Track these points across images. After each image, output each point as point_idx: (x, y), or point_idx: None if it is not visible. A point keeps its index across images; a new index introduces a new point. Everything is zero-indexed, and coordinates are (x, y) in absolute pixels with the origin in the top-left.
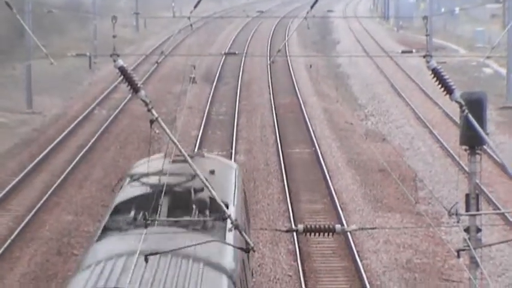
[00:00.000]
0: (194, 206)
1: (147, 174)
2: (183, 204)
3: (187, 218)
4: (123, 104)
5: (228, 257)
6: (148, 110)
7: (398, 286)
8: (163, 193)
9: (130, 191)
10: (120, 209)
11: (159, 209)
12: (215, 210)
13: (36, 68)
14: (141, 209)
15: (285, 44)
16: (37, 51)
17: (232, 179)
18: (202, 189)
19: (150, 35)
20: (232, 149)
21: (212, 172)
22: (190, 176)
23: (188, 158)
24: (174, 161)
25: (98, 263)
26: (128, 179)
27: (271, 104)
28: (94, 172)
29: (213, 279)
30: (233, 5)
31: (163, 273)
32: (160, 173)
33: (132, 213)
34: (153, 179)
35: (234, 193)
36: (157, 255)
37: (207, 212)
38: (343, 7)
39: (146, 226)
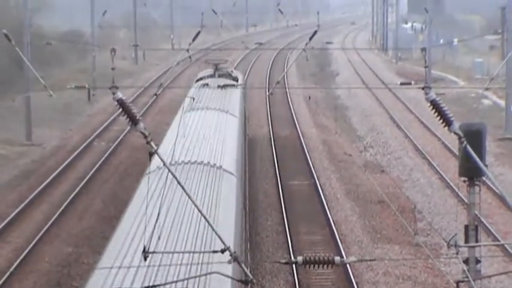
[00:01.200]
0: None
1: (206, 77)
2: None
3: None
4: (122, 135)
5: None
6: (147, 143)
7: None
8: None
9: (200, 85)
10: (193, 97)
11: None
12: (235, 79)
13: (35, 100)
14: None
15: (283, 75)
16: (36, 83)
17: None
18: (230, 83)
19: (149, 67)
20: None
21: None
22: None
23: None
24: (218, 73)
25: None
26: (196, 81)
27: (270, 137)
28: (93, 204)
29: None
30: (232, 37)
31: None
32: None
33: None
34: (210, 80)
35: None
36: None
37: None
38: (342, 39)
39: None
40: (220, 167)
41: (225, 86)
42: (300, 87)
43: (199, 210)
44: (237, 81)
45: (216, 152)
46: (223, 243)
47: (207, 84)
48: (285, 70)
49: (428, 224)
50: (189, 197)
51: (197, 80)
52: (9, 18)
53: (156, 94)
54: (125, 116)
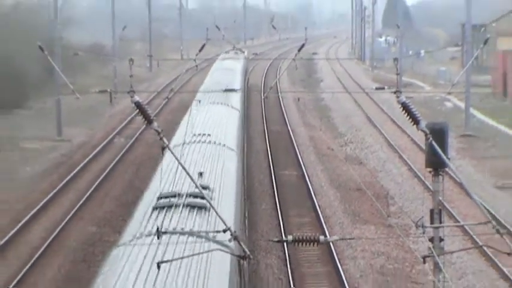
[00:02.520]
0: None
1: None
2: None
3: None
4: (138, 133)
5: None
6: (160, 139)
7: (374, 284)
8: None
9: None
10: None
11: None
12: (243, 52)
13: (64, 102)
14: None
15: (276, 82)
16: (65, 88)
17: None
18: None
19: (162, 74)
20: None
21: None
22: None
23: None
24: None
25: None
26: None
27: (264, 133)
28: (114, 191)
29: None
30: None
31: None
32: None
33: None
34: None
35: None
36: None
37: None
38: (326, 50)
39: None
40: (224, 145)
41: (237, 52)
42: (291, 91)
43: (205, 198)
44: (244, 53)
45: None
46: (225, 224)
47: (228, 52)
48: (277, 77)
49: (399, 208)
50: (197, 185)
51: (226, 52)
52: (43, 32)
53: (167, 97)
54: (141, 116)
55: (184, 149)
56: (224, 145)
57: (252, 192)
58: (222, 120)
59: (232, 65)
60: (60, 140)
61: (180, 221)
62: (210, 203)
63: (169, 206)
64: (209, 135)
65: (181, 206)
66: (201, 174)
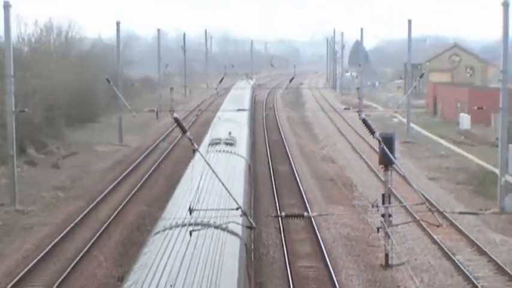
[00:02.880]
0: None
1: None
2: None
3: None
4: (176, 140)
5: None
6: (192, 144)
7: (341, 249)
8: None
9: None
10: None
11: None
12: (251, 78)
13: (124, 118)
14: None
15: (273, 105)
16: (125, 108)
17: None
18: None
19: (193, 99)
20: None
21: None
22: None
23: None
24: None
25: None
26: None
27: (265, 140)
28: (159, 180)
29: None
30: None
31: None
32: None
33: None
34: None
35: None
36: None
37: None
38: (309, 82)
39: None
40: (237, 153)
41: (248, 79)
42: (284, 110)
43: (223, 184)
44: (253, 79)
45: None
46: (237, 203)
47: (243, 79)
48: (274, 101)
49: (360, 193)
50: (217, 177)
51: (241, 79)
52: (109, 69)
53: (197, 115)
54: (178, 128)
55: (208, 151)
56: (237, 153)
57: (256, 181)
58: (234, 132)
59: (243, 91)
60: (121, 145)
61: (221, 149)
62: (227, 190)
63: (217, 143)
64: (225, 144)
65: (222, 142)
66: (230, 133)
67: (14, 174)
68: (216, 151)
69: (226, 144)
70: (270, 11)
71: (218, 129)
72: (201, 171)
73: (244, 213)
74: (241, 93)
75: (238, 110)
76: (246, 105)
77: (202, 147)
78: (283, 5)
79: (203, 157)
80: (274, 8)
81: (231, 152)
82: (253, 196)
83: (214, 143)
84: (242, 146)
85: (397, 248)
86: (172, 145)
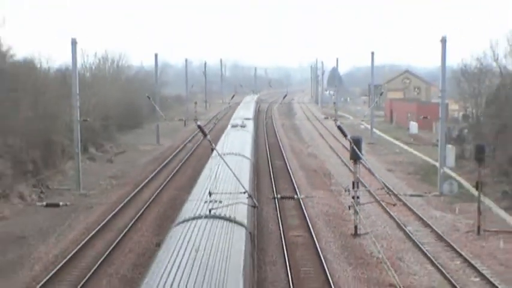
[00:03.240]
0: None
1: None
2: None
3: None
4: (199, 142)
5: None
6: (211, 144)
7: (322, 222)
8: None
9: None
10: (241, 107)
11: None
12: (257, 93)
13: (160, 126)
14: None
15: (271, 115)
16: (160, 118)
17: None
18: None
19: (211, 111)
20: None
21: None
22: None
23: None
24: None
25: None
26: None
27: (265, 142)
28: (187, 171)
29: None
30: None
31: None
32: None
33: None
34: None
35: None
36: None
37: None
38: (298, 98)
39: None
40: (243, 155)
41: (253, 94)
42: (280, 119)
43: (234, 174)
44: (258, 94)
45: (242, 142)
46: (245, 188)
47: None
48: (272, 112)
49: (336, 181)
50: (230, 169)
51: (248, 95)
52: (149, 89)
53: (215, 123)
54: (201, 132)
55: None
56: (247, 131)
57: (259, 172)
58: (241, 138)
59: (249, 104)
60: (158, 145)
61: (238, 128)
62: (237, 178)
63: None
64: (240, 126)
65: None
66: (243, 121)
67: (79, 167)
68: (235, 129)
69: (241, 126)
70: (269, 45)
71: (236, 120)
72: (218, 163)
73: (249, 196)
74: (248, 104)
75: (248, 110)
76: (252, 108)
77: (228, 128)
78: (279, 39)
79: (219, 155)
80: (272, 42)
81: (243, 130)
82: (257, 180)
83: (234, 125)
84: (250, 128)
85: (363, 221)
86: (196, 145)
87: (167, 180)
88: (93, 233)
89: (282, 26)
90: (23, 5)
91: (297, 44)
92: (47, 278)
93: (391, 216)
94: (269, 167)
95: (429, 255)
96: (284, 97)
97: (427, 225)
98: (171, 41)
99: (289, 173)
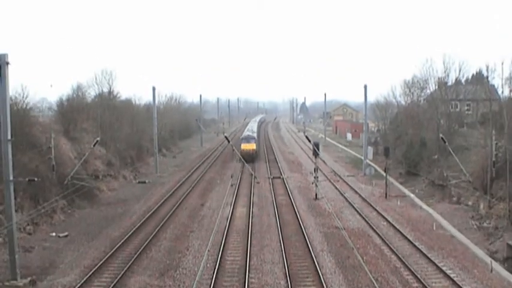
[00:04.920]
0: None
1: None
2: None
3: None
4: (226, 145)
5: None
6: (232, 147)
7: (296, 191)
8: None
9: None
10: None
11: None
12: (265, 113)
13: (204, 136)
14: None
15: (267, 133)
16: (203, 132)
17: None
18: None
19: (232, 127)
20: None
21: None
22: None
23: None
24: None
25: None
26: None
27: (264, 144)
28: (218, 163)
29: None
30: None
31: None
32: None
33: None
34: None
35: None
36: None
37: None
38: (282, 120)
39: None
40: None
41: (263, 114)
42: (272, 133)
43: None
44: (265, 113)
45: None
46: (252, 172)
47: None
48: (267, 128)
49: (305, 167)
50: (237, 153)
51: (257, 115)
52: (196, 115)
53: (234, 134)
54: (226, 140)
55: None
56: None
57: (257, 170)
58: (253, 125)
59: (254, 121)
60: (202, 147)
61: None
62: (256, 138)
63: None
64: (251, 132)
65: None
66: (253, 132)
67: (157, 160)
68: (253, 122)
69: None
70: (266, 86)
71: (248, 132)
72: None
73: (254, 176)
74: (253, 124)
75: (254, 124)
76: (255, 126)
77: (250, 122)
78: (272, 82)
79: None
80: (268, 84)
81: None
82: (257, 167)
83: (246, 135)
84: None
85: (320, 191)
86: (223, 148)
87: (207, 168)
88: (165, 198)
89: (273, 74)
90: (122, 61)
91: (282, 84)
92: (140, 223)
93: (336, 188)
94: (266, 160)
95: (358, 210)
96: (275, 119)
97: (356, 192)
98: (208, 83)
99: (277, 163)
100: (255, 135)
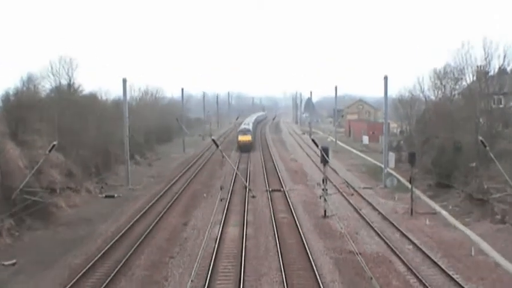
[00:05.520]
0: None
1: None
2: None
3: None
4: (214, 151)
5: None
6: (222, 153)
7: (301, 207)
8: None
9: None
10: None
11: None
12: (264, 110)
13: (186, 139)
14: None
15: (265, 132)
16: (186, 134)
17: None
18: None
19: (222, 129)
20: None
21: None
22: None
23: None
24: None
25: None
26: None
27: (261, 149)
28: (205, 172)
29: None
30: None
31: None
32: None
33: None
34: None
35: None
36: None
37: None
38: (283, 119)
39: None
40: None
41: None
42: (270, 134)
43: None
44: (264, 111)
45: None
46: (245, 182)
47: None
48: (267, 129)
49: (311, 178)
50: (228, 160)
51: (254, 113)
52: (178, 113)
53: (224, 138)
54: (215, 144)
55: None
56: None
57: (253, 175)
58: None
59: (250, 117)
60: (184, 153)
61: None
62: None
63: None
64: (247, 125)
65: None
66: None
67: (128, 169)
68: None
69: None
70: (263, 80)
71: (244, 125)
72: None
73: (249, 189)
74: (250, 118)
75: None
76: (252, 121)
77: (249, 117)
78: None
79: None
80: (265, 77)
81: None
82: (252, 178)
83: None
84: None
85: (330, 206)
86: (211, 154)
87: (191, 178)
88: (139, 216)
89: (271, 64)
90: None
91: (282, 78)
92: (107, 247)
93: (350, 203)
94: (263, 169)
95: (377, 230)
96: (274, 118)
97: (375, 209)
98: (193, 76)
99: (277, 172)
100: (251, 127)
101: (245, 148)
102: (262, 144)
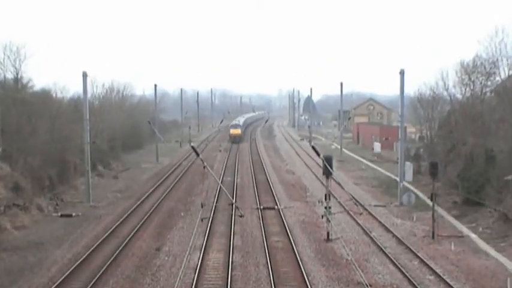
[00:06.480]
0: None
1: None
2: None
3: None
4: (193, 160)
5: None
6: (203, 163)
7: (298, 229)
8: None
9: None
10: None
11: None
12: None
13: (159, 146)
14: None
15: (255, 137)
16: (159, 140)
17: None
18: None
19: (203, 133)
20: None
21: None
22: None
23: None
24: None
25: None
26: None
27: (250, 158)
28: (182, 186)
29: None
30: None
31: None
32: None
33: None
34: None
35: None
36: None
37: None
38: (277, 122)
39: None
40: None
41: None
42: (262, 140)
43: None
44: (255, 112)
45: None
46: (231, 198)
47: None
48: (256, 134)
49: (311, 193)
50: (210, 171)
51: (247, 113)
52: (150, 115)
53: (206, 144)
54: (195, 152)
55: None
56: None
57: (242, 190)
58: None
59: (241, 118)
60: (158, 163)
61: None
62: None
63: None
64: (237, 122)
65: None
66: (239, 121)
67: (89, 182)
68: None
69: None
70: (253, 74)
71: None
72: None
73: (236, 207)
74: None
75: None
76: (242, 120)
77: (240, 116)
78: (261, 70)
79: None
80: (255, 72)
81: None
82: (239, 193)
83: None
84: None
85: (334, 228)
86: (190, 163)
87: (165, 193)
88: (102, 239)
89: (263, 58)
90: (40, 39)
91: (276, 74)
92: (62, 278)
93: (358, 224)
94: (253, 182)
95: (391, 256)
96: (266, 121)
97: (389, 231)
98: (168, 71)
99: (269, 186)
100: (241, 123)
101: (235, 140)
102: (252, 151)
